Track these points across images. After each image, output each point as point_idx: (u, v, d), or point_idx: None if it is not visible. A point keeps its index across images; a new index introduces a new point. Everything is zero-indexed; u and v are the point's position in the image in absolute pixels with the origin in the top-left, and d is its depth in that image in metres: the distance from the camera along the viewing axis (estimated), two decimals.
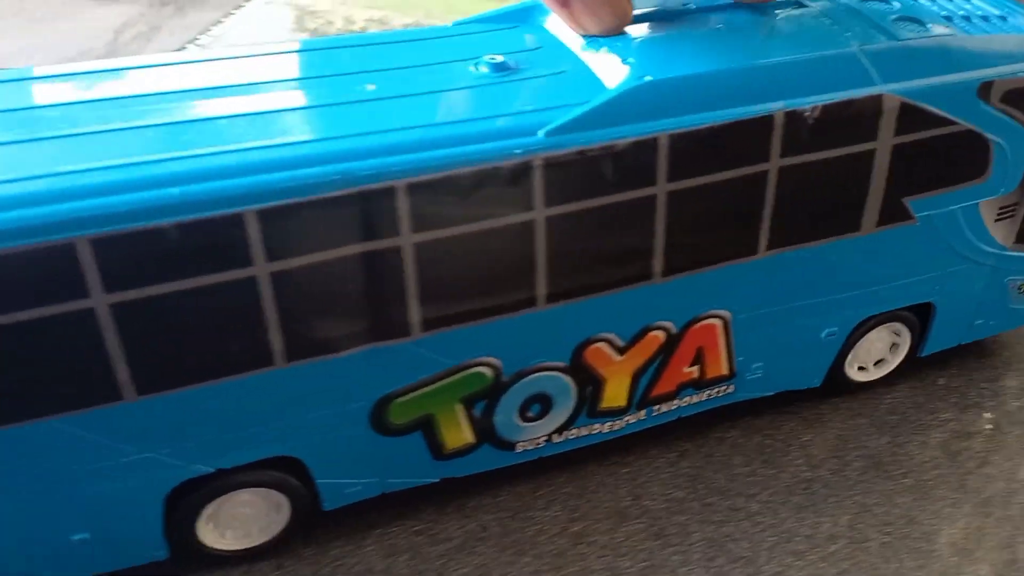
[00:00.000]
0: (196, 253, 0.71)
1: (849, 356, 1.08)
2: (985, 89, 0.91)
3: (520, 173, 0.77)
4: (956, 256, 1.03)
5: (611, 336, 0.91)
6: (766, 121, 0.84)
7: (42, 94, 0.78)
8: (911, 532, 0.95)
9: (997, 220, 1.02)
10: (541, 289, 0.84)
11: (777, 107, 0.83)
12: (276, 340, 0.77)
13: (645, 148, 0.80)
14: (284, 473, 0.87)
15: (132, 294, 0.70)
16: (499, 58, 0.85)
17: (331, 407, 0.84)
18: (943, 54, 0.90)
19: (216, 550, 0.89)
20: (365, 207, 0.74)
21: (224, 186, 0.69)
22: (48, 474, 0.77)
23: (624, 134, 0.79)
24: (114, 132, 0.72)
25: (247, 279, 0.73)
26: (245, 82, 0.82)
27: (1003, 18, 0.96)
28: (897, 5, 0.94)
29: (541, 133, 0.77)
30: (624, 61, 0.83)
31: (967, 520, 0.96)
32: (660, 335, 0.94)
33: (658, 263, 0.88)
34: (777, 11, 0.92)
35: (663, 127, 0.80)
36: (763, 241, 0.91)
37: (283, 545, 0.92)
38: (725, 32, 0.88)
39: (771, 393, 1.08)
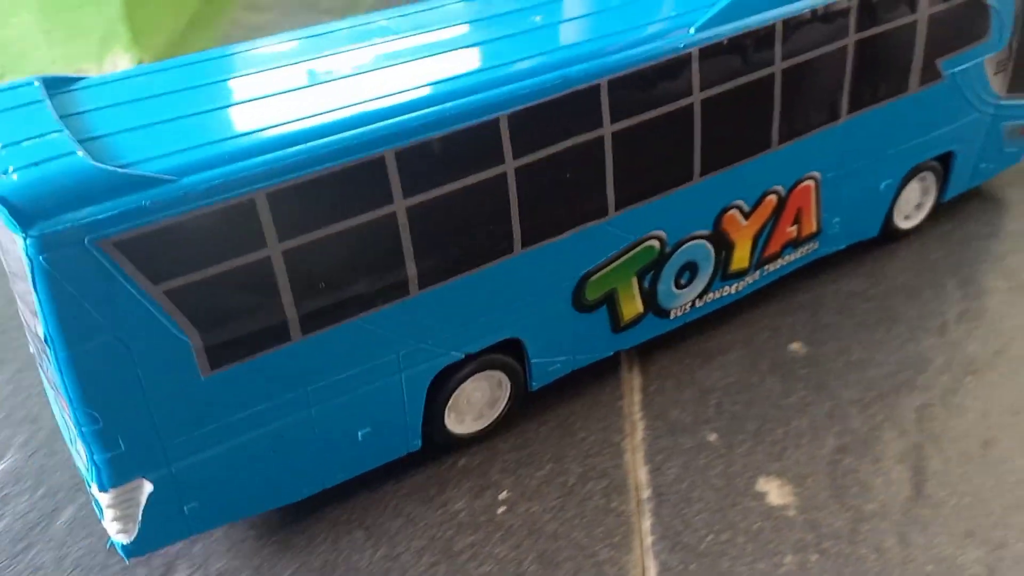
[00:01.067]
0: (464, 156, 0.86)
1: (896, 207, 1.31)
2: None
3: (683, 63, 0.95)
4: (970, 107, 1.27)
5: (740, 203, 1.10)
6: (846, 2, 1.05)
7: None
8: None
9: (995, 74, 1.27)
10: (696, 165, 1.02)
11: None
12: (516, 229, 0.92)
13: (767, 33, 1.00)
14: (508, 355, 1.02)
15: (421, 198, 0.85)
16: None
17: (547, 288, 0.99)
18: None
19: (457, 435, 1.03)
20: (578, 106, 0.90)
21: (481, 97, 0.85)
22: (352, 373, 0.90)
23: (752, 24, 0.98)
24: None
25: (499, 176, 0.88)
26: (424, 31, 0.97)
27: None
28: None
29: (692, 30, 0.95)
30: None
31: None
32: (773, 199, 1.13)
33: (776, 133, 1.07)
34: None
35: (777, 15, 1.00)
36: (844, 107, 1.12)
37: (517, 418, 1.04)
38: None
39: (844, 246, 1.29)
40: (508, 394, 1.05)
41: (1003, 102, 1.30)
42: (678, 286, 1.11)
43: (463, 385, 1.00)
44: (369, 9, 1.03)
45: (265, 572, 0.93)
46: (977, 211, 1.40)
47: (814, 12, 1.02)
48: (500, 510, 0.97)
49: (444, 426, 1.01)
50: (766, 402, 1.09)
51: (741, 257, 1.15)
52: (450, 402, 1.00)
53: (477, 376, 1.01)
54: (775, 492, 0.98)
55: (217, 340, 0.81)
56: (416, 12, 0.99)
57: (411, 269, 0.88)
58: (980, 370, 1.12)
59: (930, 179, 1.33)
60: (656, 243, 1.05)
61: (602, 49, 0.91)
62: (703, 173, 1.03)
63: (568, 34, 0.94)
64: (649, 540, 0.94)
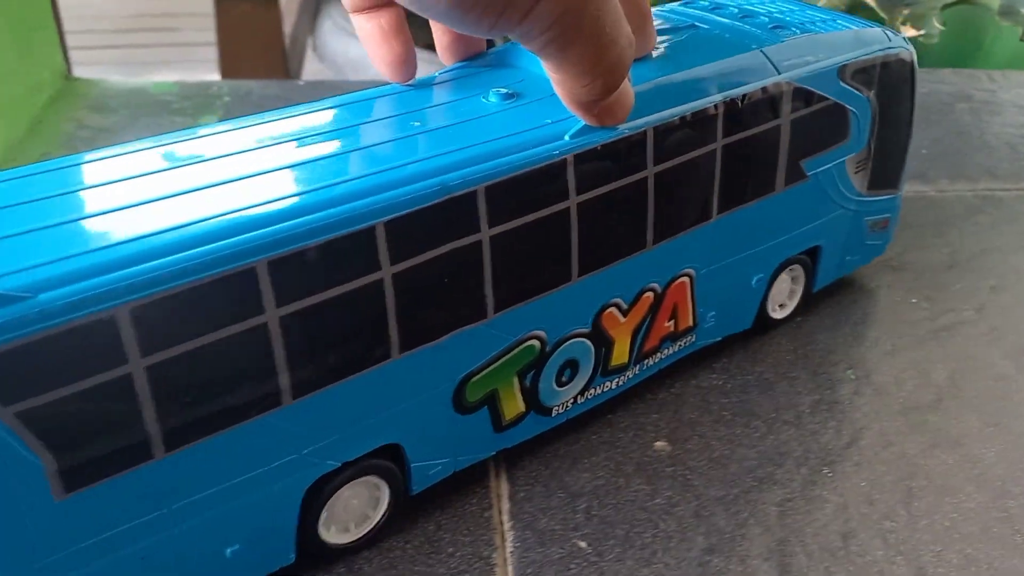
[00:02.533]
0: (339, 264, 0.84)
1: (769, 299, 1.36)
2: (842, 71, 1.22)
3: (559, 169, 0.97)
4: (834, 204, 1.33)
5: (618, 301, 1.12)
6: (712, 111, 1.09)
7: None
8: None
9: (856, 172, 1.34)
10: (575, 265, 1.04)
11: (716, 100, 1.09)
12: (393, 335, 0.91)
13: (640, 140, 1.03)
14: (387, 460, 1.00)
15: (295, 307, 0.83)
16: (503, 90, 1.05)
17: (427, 392, 0.98)
18: (813, 47, 1.20)
19: (332, 545, 0.99)
20: (455, 212, 0.91)
21: (357, 205, 0.84)
22: (220, 488, 0.86)
23: (624, 130, 1.01)
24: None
25: (376, 282, 0.87)
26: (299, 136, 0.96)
27: (829, 21, 1.29)
28: (766, 20, 1.24)
29: (567, 136, 0.98)
30: None
31: None
32: (651, 295, 1.16)
33: (650, 233, 1.10)
34: (689, 30, 1.19)
35: (648, 122, 1.03)
36: (715, 206, 1.16)
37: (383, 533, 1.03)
38: (661, 50, 1.13)
39: (719, 339, 1.33)
40: (387, 500, 1.02)
41: (864, 198, 1.38)
42: (560, 384, 1.12)
43: (339, 493, 0.97)
44: (224, 112, 1.00)
45: None
46: (824, 303, 1.46)
47: (683, 119, 1.06)
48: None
49: (318, 536, 0.97)
50: (633, 504, 1.09)
51: (621, 353, 1.17)
52: (324, 512, 0.97)
53: (353, 483, 0.98)
54: None
55: (72, 462, 0.76)
56: (288, 117, 0.98)
57: (284, 379, 0.85)
58: (835, 461, 1.16)
59: (799, 272, 1.39)
60: (537, 343, 1.06)
61: (479, 156, 0.92)
62: (581, 274, 1.05)
63: (445, 141, 0.95)
64: None
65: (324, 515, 0.97)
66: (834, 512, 1.09)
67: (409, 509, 1.05)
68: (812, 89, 1.19)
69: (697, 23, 1.21)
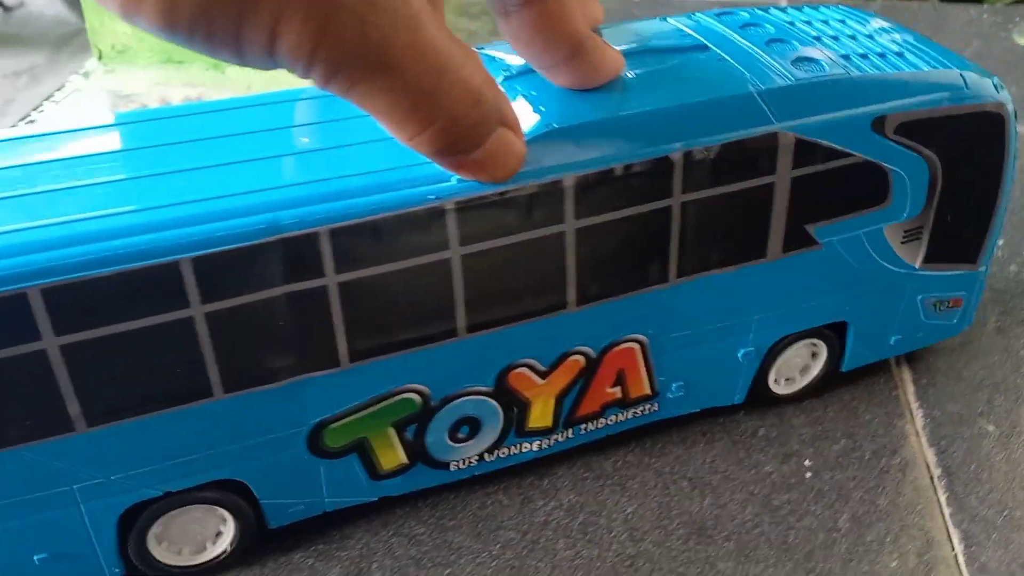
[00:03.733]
0: (141, 295, 0.77)
1: (772, 372, 1.15)
2: (879, 122, 0.98)
3: (436, 216, 0.84)
4: (864, 277, 1.09)
5: (531, 362, 0.98)
6: (665, 161, 0.90)
7: None
8: None
9: (903, 243, 1.09)
10: (461, 321, 0.91)
11: (674, 149, 0.90)
12: (213, 374, 0.84)
13: (551, 190, 0.87)
14: (231, 493, 0.93)
15: (83, 336, 0.77)
16: None
17: (269, 434, 0.90)
18: (835, 92, 0.96)
19: (170, 566, 0.96)
20: (292, 252, 0.81)
21: (160, 237, 0.76)
22: (17, 500, 0.84)
23: (529, 177, 0.85)
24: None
25: (184, 319, 0.80)
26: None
27: (900, 55, 1.03)
28: (797, 46, 1.01)
29: (454, 179, 0.84)
30: (535, 109, 0.89)
31: None
32: (580, 359, 1.00)
33: (572, 293, 0.94)
34: (688, 54, 0.99)
35: (565, 170, 0.87)
36: (672, 270, 0.98)
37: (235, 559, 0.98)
38: (635, 78, 0.94)
39: (696, 410, 1.15)
40: (233, 532, 0.97)
41: (919, 272, 1.12)
42: (455, 440, 1.00)
43: (167, 518, 0.93)
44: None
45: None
46: None
47: (617, 169, 0.89)
48: (807, 475, 1.09)
49: (149, 555, 0.94)
50: None
51: (541, 415, 1.03)
52: (151, 535, 0.93)
53: (193, 510, 0.93)
54: None
55: None
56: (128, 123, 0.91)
57: (73, 407, 0.80)
58: None
59: (821, 347, 1.16)
60: (416, 396, 0.94)
61: (334, 193, 0.81)
62: (471, 331, 0.92)
63: (313, 167, 0.84)
64: (948, 511, 1.04)
65: (154, 535, 0.93)
66: None
67: (737, 417, 1.18)
68: (826, 143, 0.96)
69: (710, 44, 1.00)
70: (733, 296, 1.03)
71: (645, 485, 1.08)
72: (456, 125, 0.72)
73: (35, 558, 0.88)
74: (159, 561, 0.95)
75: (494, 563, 0.98)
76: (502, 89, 0.77)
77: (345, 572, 0.97)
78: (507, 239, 0.88)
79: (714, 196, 0.94)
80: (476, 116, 0.73)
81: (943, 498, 1.07)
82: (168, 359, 0.82)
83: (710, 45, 1.00)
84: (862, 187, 1.02)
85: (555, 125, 0.87)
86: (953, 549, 1.01)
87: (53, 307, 0.75)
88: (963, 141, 1.04)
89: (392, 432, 0.96)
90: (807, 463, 1.11)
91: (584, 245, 0.91)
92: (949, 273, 1.15)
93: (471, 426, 1.00)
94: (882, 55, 1.02)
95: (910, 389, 1.22)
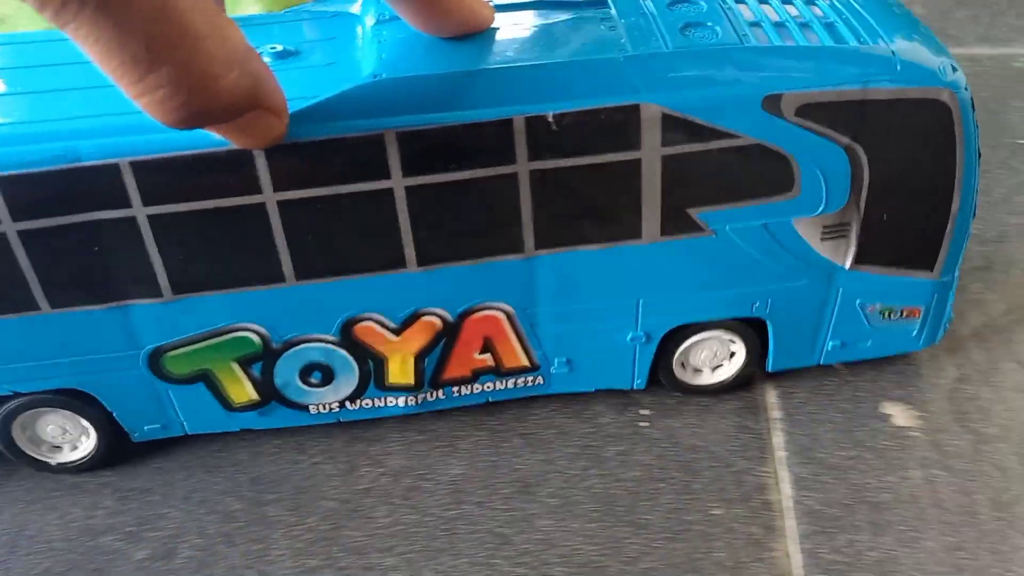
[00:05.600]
0: None
1: (676, 360, 1.06)
2: (773, 102, 0.86)
3: (243, 158, 0.83)
4: (775, 273, 0.98)
5: (378, 317, 0.96)
6: (506, 124, 0.84)
7: None
8: (549, 558, 0.93)
9: (824, 239, 0.97)
10: (287, 268, 0.90)
11: (516, 112, 0.84)
12: (37, 290, 0.88)
13: (374, 143, 0.84)
14: (83, 403, 0.99)
15: None
16: (279, 47, 0.90)
17: (104, 352, 0.94)
18: (718, 64, 0.85)
19: (29, 456, 1.03)
20: (95, 181, 0.83)
21: None
22: None
23: (345, 129, 0.83)
24: None
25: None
26: None
27: (830, 25, 0.90)
28: (702, 8, 0.91)
29: None
30: (379, 56, 0.86)
31: (607, 533, 0.96)
32: (435, 321, 0.97)
33: (410, 253, 0.91)
34: (571, 11, 0.91)
35: (390, 124, 0.83)
36: (529, 241, 0.92)
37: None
38: (505, 32, 0.88)
39: (591, 390, 1.09)
40: (95, 438, 1.03)
41: (851, 274, 0.99)
42: (307, 384, 1.01)
43: (27, 416, 1.00)
44: None
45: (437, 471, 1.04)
46: None
47: (450, 129, 0.84)
48: (642, 424, 1.07)
49: (13, 442, 1.01)
50: None
51: (401, 372, 1.01)
52: (15, 429, 1.00)
53: (51, 413, 1.00)
54: (900, 415, 1.06)
55: None
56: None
57: None
58: None
59: (739, 342, 1.06)
60: (253, 336, 0.95)
61: (134, 126, 0.82)
62: (300, 278, 0.91)
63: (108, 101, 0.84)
64: (782, 455, 1.03)
65: (17, 430, 1.00)
66: None
67: None
68: (701, 121, 0.86)
69: (609, 2, 0.92)
70: (607, 276, 0.96)
71: (477, 445, 1.05)
72: (192, 100, 0.68)
73: None
74: (20, 449, 1.02)
75: (308, 536, 0.97)
76: (265, 66, 0.73)
77: (152, 553, 0.97)
78: (325, 189, 0.86)
79: (569, 167, 0.88)
80: (214, 94, 0.69)
81: (778, 440, 1.04)
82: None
83: (609, 3, 0.91)
84: (758, 173, 0.91)
85: (383, 76, 0.83)
86: (780, 494, 0.99)
87: None
88: (896, 131, 0.90)
89: (236, 368, 0.98)
90: (643, 412, 1.08)
91: (418, 205, 0.88)
92: (897, 279, 1.01)
93: (324, 373, 1.00)
94: (806, 24, 0.90)
95: None
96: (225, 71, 0.67)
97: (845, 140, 0.90)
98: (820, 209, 0.94)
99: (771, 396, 1.09)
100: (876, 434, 1.05)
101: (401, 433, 1.07)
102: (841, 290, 1.01)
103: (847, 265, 0.99)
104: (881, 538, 0.94)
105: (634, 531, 0.96)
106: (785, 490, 0.98)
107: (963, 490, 0.99)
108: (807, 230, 0.96)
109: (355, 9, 0.95)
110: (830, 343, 1.06)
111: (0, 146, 0.81)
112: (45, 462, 1.04)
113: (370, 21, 0.91)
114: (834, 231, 0.96)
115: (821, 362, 1.09)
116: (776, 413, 1.07)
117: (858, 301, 1.03)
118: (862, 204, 0.94)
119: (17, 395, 0.97)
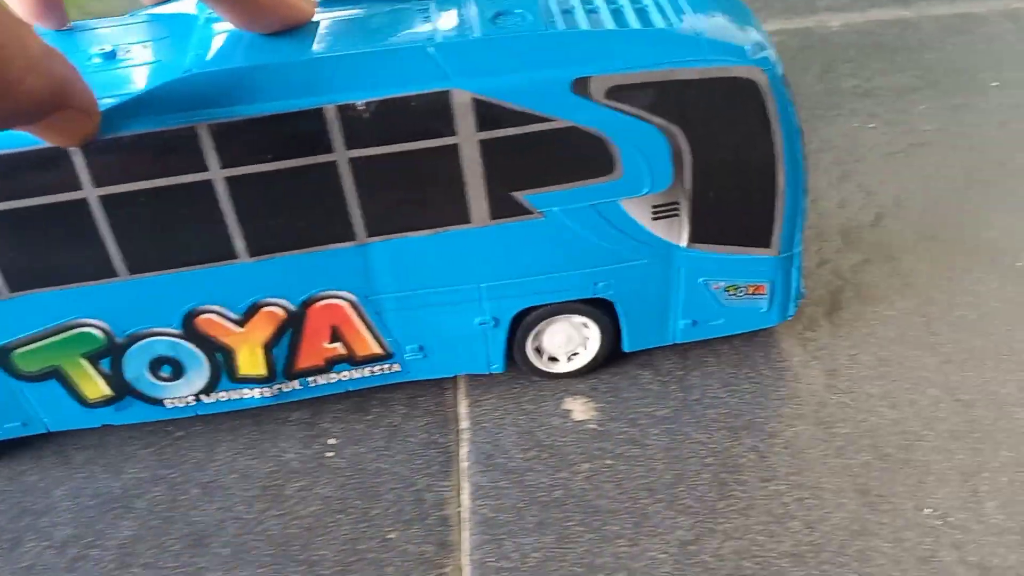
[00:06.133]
0: None
1: (529, 345, 1.08)
2: (581, 85, 0.88)
3: (62, 155, 0.85)
4: (611, 254, 1.00)
5: (218, 308, 0.98)
6: (318, 115, 0.86)
7: None
8: None
9: (656, 219, 0.99)
10: (117, 262, 0.92)
11: (327, 101, 0.86)
12: None
13: (187, 136, 0.86)
14: None
15: None
16: (109, 47, 0.92)
17: None
18: (525, 49, 0.88)
19: None
20: None
21: None
22: None
23: (158, 123, 0.85)
24: None
25: None
26: None
27: (641, 10, 0.92)
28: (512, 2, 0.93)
29: None
30: (196, 52, 0.88)
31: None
32: (278, 311, 0.99)
33: (239, 244, 0.93)
34: (391, 2, 0.93)
35: (202, 117, 0.85)
36: (358, 228, 0.94)
37: None
38: (325, 24, 0.90)
39: (450, 375, 1.11)
40: None
41: (690, 252, 1.02)
42: (158, 378, 1.03)
43: None
44: None
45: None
46: None
47: (262, 120, 0.86)
48: (328, 455, 1.05)
49: None
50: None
51: (250, 364, 1.03)
52: None
53: None
54: (579, 410, 1.08)
55: None
56: None
57: None
58: None
59: (592, 326, 1.08)
60: (96, 331, 0.97)
61: None
62: (133, 272, 0.93)
63: None
64: (465, 465, 1.02)
65: None
66: None
67: None
68: (513, 105, 0.88)
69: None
70: (443, 261, 0.98)
71: (153, 502, 1.01)
72: None
73: None
74: None
75: None
76: (70, 68, 0.74)
77: None
78: (146, 183, 0.88)
79: (388, 154, 0.90)
80: (16, 97, 0.70)
81: (464, 452, 1.04)
82: None
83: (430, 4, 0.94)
84: (578, 156, 0.93)
85: (194, 71, 0.85)
86: (460, 506, 0.98)
87: None
88: (710, 111, 0.92)
89: (85, 363, 1.00)
90: (331, 441, 1.07)
91: (242, 196, 0.90)
92: (737, 257, 1.03)
93: (173, 366, 1.02)
94: (617, 10, 0.92)
95: None
96: (24, 75, 0.69)
97: (659, 121, 0.92)
98: (645, 190, 0.96)
99: (462, 407, 1.09)
100: (555, 432, 1.05)
101: (73, 500, 1.02)
102: (682, 269, 1.03)
103: (683, 244, 1.01)
104: (545, 538, 0.94)
105: (307, 569, 0.93)
106: (464, 502, 0.98)
107: (629, 476, 1.00)
108: (637, 210, 0.98)
109: (192, 9, 0.98)
110: (681, 322, 1.09)
111: None
112: None
113: (202, 19, 0.93)
114: (664, 210, 0.99)
115: (678, 340, 1.11)
116: (464, 424, 1.07)
117: (701, 279, 1.05)
118: (687, 184, 0.96)
119: None
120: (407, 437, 1.06)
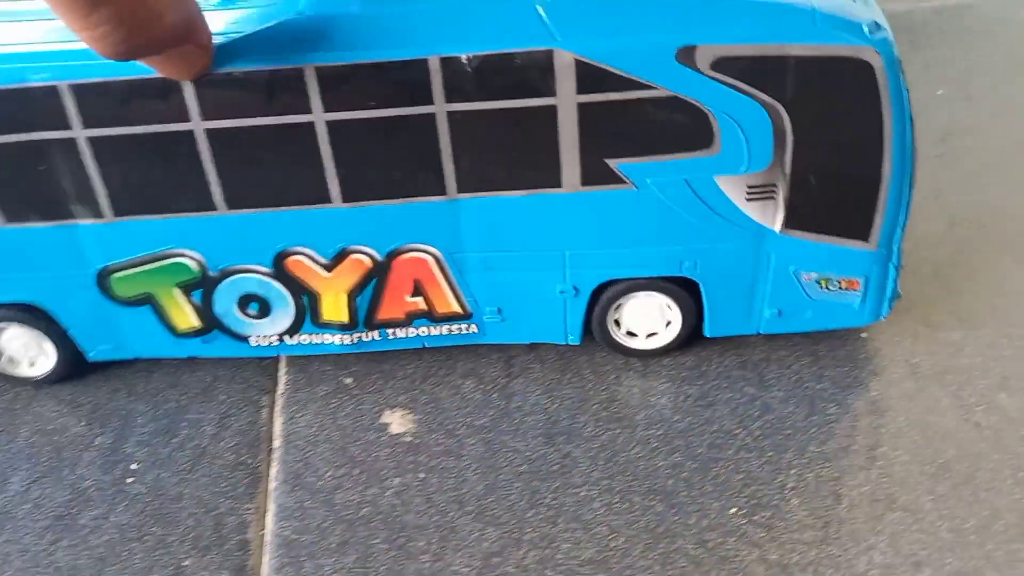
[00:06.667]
0: None
1: (610, 319, 1.08)
2: (687, 54, 0.87)
3: (174, 87, 0.88)
4: (702, 232, 0.98)
5: (308, 251, 1.00)
6: (421, 64, 0.87)
7: None
8: None
9: (750, 199, 0.97)
10: (217, 196, 0.95)
11: (432, 52, 0.87)
12: None
13: (293, 77, 0.88)
14: (40, 319, 1.06)
15: None
16: None
17: (55, 270, 1.01)
18: (634, 13, 0.87)
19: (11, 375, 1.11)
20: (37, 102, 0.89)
21: None
22: None
23: (266, 63, 0.87)
24: None
25: None
26: None
27: None
28: None
29: None
30: None
31: None
32: (364, 260, 1.01)
33: (335, 188, 0.95)
34: None
35: (309, 60, 0.87)
36: (451, 183, 0.95)
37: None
38: None
39: (527, 342, 1.11)
40: (54, 355, 1.09)
41: (782, 238, 0.99)
42: (245, 314, 1.05)
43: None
44: None
45: None
46: None
47: (367, 67, 0.87)
48: (129, 480, 1.01)
49: None
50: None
51: (334, 309, 1.05)
52: None
53: (12, 327, 1.07)
54: (397, 422, 1.05)
55: None
56: None
57: None
58: None
59: (672, 304, 1.07)
60: (191, 262, 1.00)
61: (77, 52, 0.88)
62: (230, 207, 0.96)
63: None
64: (273, 486, 1.00)
65: None
66: None
67: (187, 366, 1.13)
68: (616, 69, 0.88)
69: None
70: (530, 224, 0.98)
71: None
72: (131, 37, 0.73)
73: None
74: None
75: None
76: (195, 4, 0.77)
77: None
78: (250, 120, 0.90)
79: (485, 111, 0.90)
80: (153, 32, 0.74)
81: (273, 472, 1.00)
82: None
83: None
84: (676, 126, 0.91)
85: (306, 13, 0.87)
86: (264, 529, 0.95)
87: None
88: (819, 91, 0.89)
89: (178, 293, 1.03)
90: (133, 467, 1.02)
91: (341, 141, 0.91)
92: (832, 247, 1.00)
93: (260, 304, 1.04)
94: None
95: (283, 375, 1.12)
96: (166, 10, 0.73)
97: (764, 97, 0.90)
98: (743, 168, 0.94)
99: (277, 425, 1.05)
100: (370, 447, 1.03)
101: None
102: (773, 255, 1.01)
103: (777, 228, 0.98)
104: (347, 557, 0.92)
105: None
106: (268, 524, 0.95)
107: (440, 489, 0.98)
108: (732, 189, 0.96)
109: None
110: (767, 311, 1.06)
111: None
112: (11, 375, 1.11)
113: None
114: (760, 192, 0.96)
115: (761, 330, 1.09)
116: (277, 442, 1.03)
117: (792, 268, 1.02)
118: (787, 166, 0.94)
119: None
120: (215, 459, 1.02)
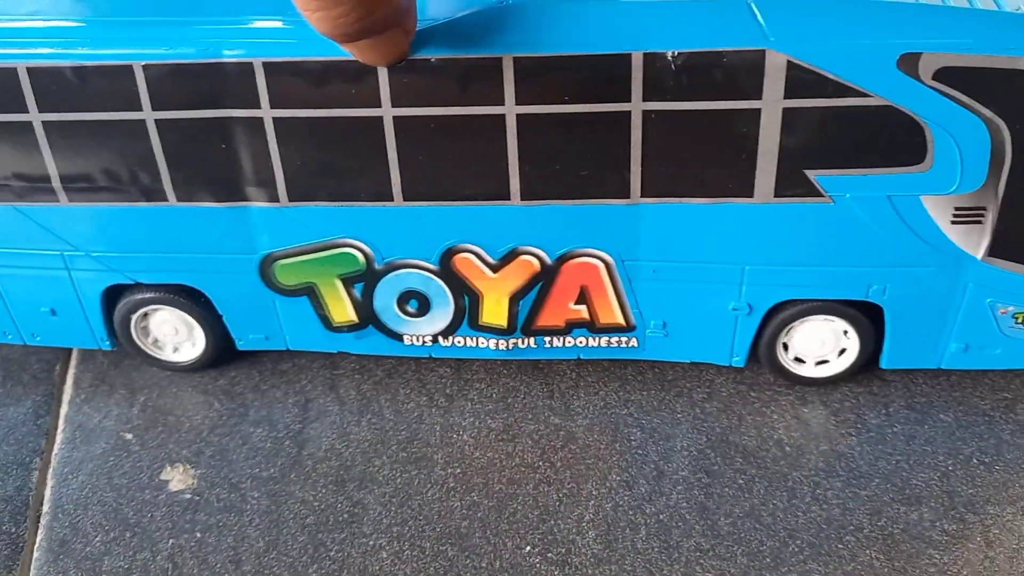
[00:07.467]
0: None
1: (779, 341, 1.02)
2: (910, 60, 0.82)
3: (369, 71, 0.85)
4: (897, 254, 0.92)
5: (477, 249, 0.96)
6: (623, 60, 0.83)
7: None
8: None
9: (955, 223, 0.90)
10: (396, 187, 0.92)
11: (635, 48, 0.83)
12: (166, 180, 0.93)
13: (489, 66, 0.85)
14: (195, 303, 1.04)
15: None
16: None
17: (220, 252, 0.99)
18: (854, 15, 0.82)
19: (151, 356, 1.09)
20: (227, 80, 0.87)
21: None
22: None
23: (463, 51, 0.84)
24: None
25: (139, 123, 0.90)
26: None
27: None
28: None
29: None
30: None
31: None
32: (533, 261, 0.97)
33: (515, 185, 0.91)
34: None
35: (506, 50, 0.84)
36: (635, 185, 0.90)
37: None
38: None
39: (686, 360, 1.05)
40: (205, 339, 1.08)
41: (982, 266, 0.93)
42: (404, 312, 1.02)
43: (152, 315, 1.07)
44: None
45: None
46: None
47: (564, 59, 0.84)
48: None
49: (131, 335, 1.08)
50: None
51: (495, 312, 1.01)
52: (133, 322, 1.07)
53: (165, 310, 1.06)
54: (178, 479, 0.99)
55: None
56: None
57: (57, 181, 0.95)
58: None
59: (850, 330, 1.01)
60: (358, 253, 0.98)
61: (270, 31, 0.86)
62: (407, 199, 0.93)
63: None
64: (36, 556, 0.94)
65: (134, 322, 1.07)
66: None
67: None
68: (830, 74, 0.83)
69: None
70: (713, 234, 0.93)
71: None
72: (356, 22, 0.72)
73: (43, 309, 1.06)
74: (137, 344, 1.09)
75: None
76: None
77: None
78: (439, 109, 0.87)
79: (683, 111, 0.86)
80: (375, 16, 0.72)
81: (38, 540, 0.95)
82: (132, 157, 0.92)
83: None
84: (886, 138, 0.86)
85: (507, 1, 0.84)
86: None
87: None
88: None
89: (340, 285, 1.01)
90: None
91: (528, 135, 0.88)
92: (1016, 275, 0.93)
93: (420, 302, 1.01)
94: None
95: (63, 411, 1.08)
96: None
97: (988, 113, 0.84)
98: (953, 188, 0.88)
99: (47, 489, 0.99)
100: (145, 507, 0.97)
101: None
102: (970, 284, 0.94)
103: (980, 256, 0.92)
104: None
105: None
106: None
107: (217, 548, 0.93)
108: (937, 210, 0.90)
109: None
110: (953, 344, 0.99)
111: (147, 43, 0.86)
112: (156, 358, 1.10)
113: None
114: (967, 215, 0.90)
115: (943, 365, 1.02)
116: (46, 507, 0.98)
117: (989, 300, 0.95)
118: (1001, 188, 0.87)
119: (139, 286, 1.03)
120: None
